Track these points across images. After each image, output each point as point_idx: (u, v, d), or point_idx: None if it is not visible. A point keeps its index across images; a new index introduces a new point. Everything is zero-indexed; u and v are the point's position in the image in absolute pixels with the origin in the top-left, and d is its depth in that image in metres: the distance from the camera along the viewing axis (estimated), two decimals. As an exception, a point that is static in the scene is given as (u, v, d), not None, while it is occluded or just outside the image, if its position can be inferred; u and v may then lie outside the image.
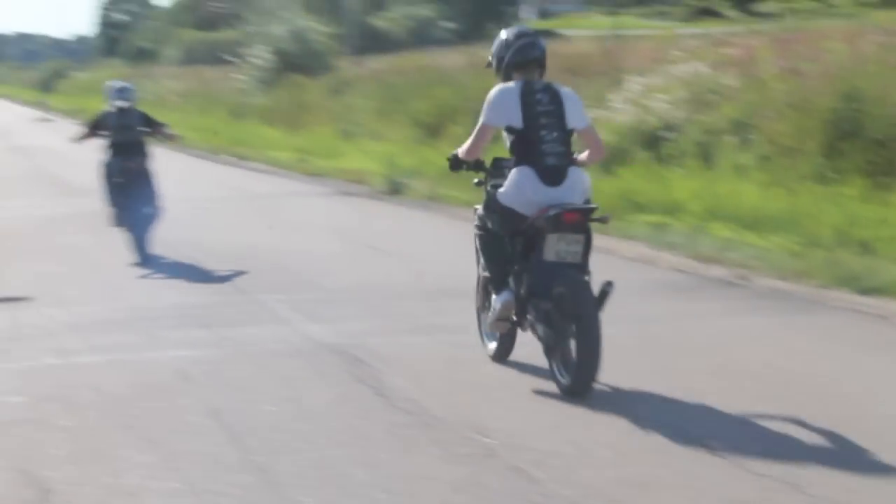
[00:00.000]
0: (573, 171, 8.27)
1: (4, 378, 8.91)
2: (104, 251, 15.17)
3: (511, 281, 8.47)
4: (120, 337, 10.14)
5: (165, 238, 15.78)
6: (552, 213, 8.00)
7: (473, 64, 30.26)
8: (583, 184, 8.29)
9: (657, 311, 10.98)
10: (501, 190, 8.41)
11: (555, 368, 8.03)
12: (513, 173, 8.38)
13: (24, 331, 10.55)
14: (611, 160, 18.14)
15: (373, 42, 69.22)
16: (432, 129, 26.59)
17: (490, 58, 8.67)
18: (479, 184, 9.26)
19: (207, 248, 15.29)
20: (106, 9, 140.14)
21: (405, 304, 11.34)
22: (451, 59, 35.84)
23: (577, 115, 8.38)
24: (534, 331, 8.32)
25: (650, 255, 14.10)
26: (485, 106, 8.51)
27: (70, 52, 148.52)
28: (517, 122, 8.32)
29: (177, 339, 10.04)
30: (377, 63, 42.70)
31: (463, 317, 9.99)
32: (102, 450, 7.08)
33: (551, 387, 8.06)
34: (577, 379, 7.79)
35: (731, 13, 27.53)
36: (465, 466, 6.60)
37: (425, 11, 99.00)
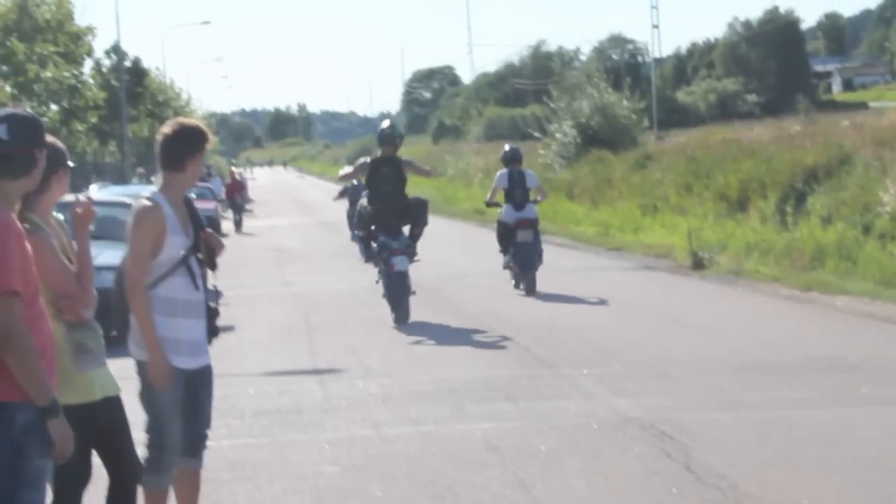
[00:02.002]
0: (529, 205, 18.40)
1: (319, 448, 9.16)
2: (409, 323, 15.46)
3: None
4: (428, 409, 10.31)
5: (466, 309, 16.01)
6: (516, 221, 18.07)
7: (780, 136, 29.81)
8: (533, 210, 18.49)
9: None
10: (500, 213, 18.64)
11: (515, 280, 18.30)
12: (504, 206, 18.62)
13: (336, 402, 10.83)
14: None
15: (677, 116, 69.14)
16: (738, 203, 26.24)
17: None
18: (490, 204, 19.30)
19: (509, 319, 15.44)
20: (411, 87, 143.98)
21: (710, 378, 11.18)
22: (757, 131, 35.36)
23: (533, 181, 18.63)
24: (510, 267, 18.51)
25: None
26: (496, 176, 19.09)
27: (374, 130, 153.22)
28: (506, 186, 18.54)
29: (483, 411, 10.15)
30: (681, 137, 42.46)
31: (771, 392, 9.79)
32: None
33: (875, 463, 7.82)
34: (527, 285, 18.04)
35: None
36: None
37: (730, 85, 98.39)
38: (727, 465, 8.14)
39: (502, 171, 18.86)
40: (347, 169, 20.82)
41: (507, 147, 19.61)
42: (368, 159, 16.43)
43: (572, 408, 10.15)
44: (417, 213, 15.95)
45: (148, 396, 6.54)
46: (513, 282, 18.61)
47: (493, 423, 9.69)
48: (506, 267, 18.77)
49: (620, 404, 10.16)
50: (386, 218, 15.68)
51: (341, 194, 30.77)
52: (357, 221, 16.96)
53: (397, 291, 15.51)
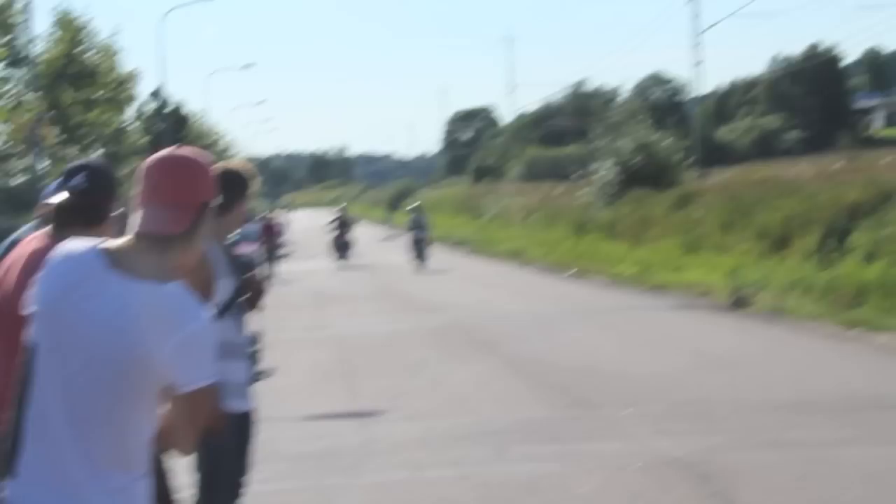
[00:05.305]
0: None
1: (360, 492, 9.17)
2: (449, 365, 15.49)
3: None
4: (468, 450, 10.31)
5: (510, 352, 16.00)
6: None
7: (821, 174, 29.74)
8: None
9: None
10: None
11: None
12: None
13: (376, 445, 10.84)
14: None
15: (718, 154, 68.97)
16: (779, 242, 26.16)
17: None
18: None
19: (551, 361, 15.41)
20: (451, 128, 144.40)
21: (752, 417, 11.13)
22: (799, 168, 35.29)
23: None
24: None
25: None
26: None
27: (413, 171, 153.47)
28: None
29: (524, 453, 10.13)
30: (722, 175, 42.40)
31: (813, 431, 9.73)
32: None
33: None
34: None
35: None
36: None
37: (771, 122, 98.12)
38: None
39: None
40: None
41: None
42: None
43: (613, 449, 10.12)
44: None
45: (200, 439, 6.56)
46: None
47: (533, 464, 9.67)
48: None
49: (661, 445, 10.12)
50: None
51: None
52: None
53: None
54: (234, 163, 7.07)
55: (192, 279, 3.93)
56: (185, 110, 62.90)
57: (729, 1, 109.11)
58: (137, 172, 3.81)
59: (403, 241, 39.88)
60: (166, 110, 57.19)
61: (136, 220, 3.63)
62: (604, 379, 13.78)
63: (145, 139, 49.61)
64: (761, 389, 12.69)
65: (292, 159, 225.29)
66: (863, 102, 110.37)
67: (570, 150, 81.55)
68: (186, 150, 3.85)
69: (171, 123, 57.40)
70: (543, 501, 8.57)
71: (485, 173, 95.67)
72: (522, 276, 31.27)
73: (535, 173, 79.92)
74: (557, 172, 63.57)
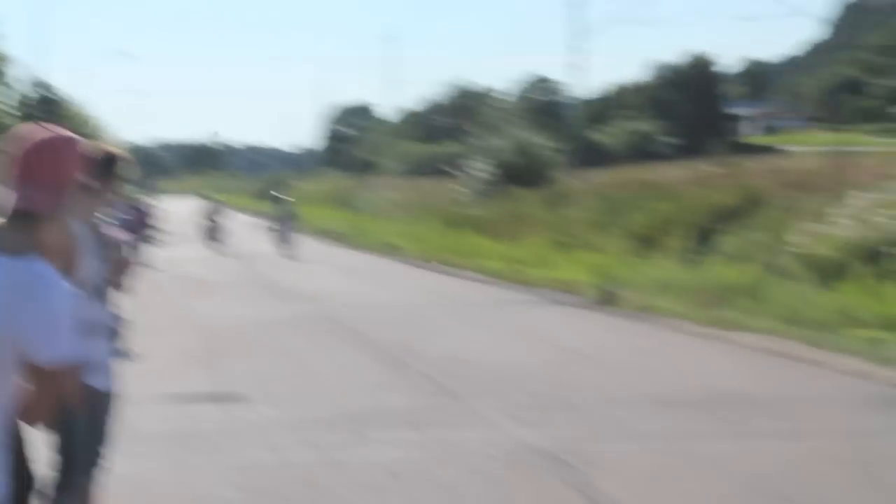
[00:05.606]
0: None
1: (221, 473, 9.12)
2: (316, 352, 15.47)
3: None
4: (331, 435, 10.30)
5: (377, 340, 16.02)
6: None
7: (694, 177, 30.21)
8: None
9: (867, 425, 10.69)
10: None
11: None
12: None
13: (239, 427, 10.79)
14: (828, 274, 17.87)
15: (594, 155, 69.61)
16: (649, 242, 26.52)
17: None
18: None
19: (418, 350, 15.46)
20: (332, 122, 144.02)
21: (615, 410, 11.28)
22: (672, 172, 35.77)
23: None
24: None
25: (865, 369, 13.75)
26: None
27: (295, 164, 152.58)
28: None
29: (387, 438, 10.16)
30: (596, 176, 42.85)
31: (672, 424, 9.89)
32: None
33: (768, 493, 7.92)
34: None
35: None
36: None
37: (646, 126, 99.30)
38: (626, 494, 8.22)
39: None
40: None
41: None
42: None
43: (476, 437, 10.18)
44: None
45: (59, 416, 6.49)
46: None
47: (395, 450, 9.70)
48: None
49: (524, 434, 10.21)
50: None
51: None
52: None
53: None
54: (105, 145, 7.01)
55: (57, 257, 3.91)
56: (58, 94, 62.02)
57: (613, 7, 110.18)
58: (3, 150, 3.79)
59: (273, 231, 39.77)
60: (39, 93, 56.33)
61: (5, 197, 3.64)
62: (469, 369, 13.86)
63: (15, 120, 48.82)
64: (624, 383, 12.87)
65: (170, 148, 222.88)
66: (739, 110, 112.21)
67: (449, 147, 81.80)
68: (54, 130, 3.83)
69: (42, 106, 56.53)
70: (404, 487, 8.59)
71: (363, 168, 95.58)
72: (395, 268, 31.29)
73: (413, 169, 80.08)
74: (435, 169, 63.77)
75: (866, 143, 60.52)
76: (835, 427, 9.85)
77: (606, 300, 20.93)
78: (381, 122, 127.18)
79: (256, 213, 74.14)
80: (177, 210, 52.57)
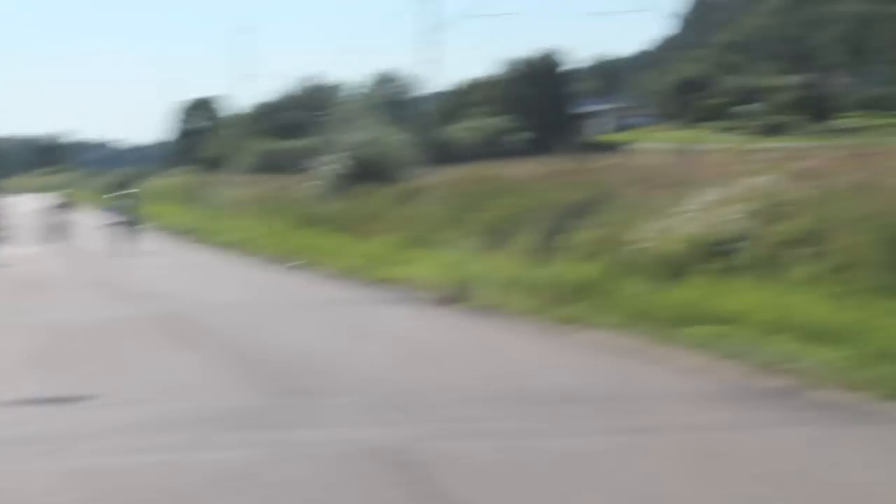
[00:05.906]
0: None
1: (63, 477, 8.94)
2: (164, 352, 15.26)
3: None
4: (180, 436, 10.19)
5: (223, 340, 15.86)
6: None
7: (545, 174, 30.44)
8: None
9: (708, 420, 10.81)
10: None
11: None
12: None
13: (85, 431, 10.58)
14: (674, 270, 18.07)
15: (446, 151, 69.81)
16: (500, 238, 26.58)
17: None
18: None
19: (267, 350, 15.35)
20: (184, 116, 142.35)
21: (459, 407, 11.30)
22: (525, 168, 36.00)
23: None
24: None
25: (709, 364, 13.90)
26: None
27: (148, 159, 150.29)
28: None
29: (235, 439, 10.05)
30: (449, 172, 42.95)
31: (516, 421, 9.92)
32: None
33: (606, 489, 7.96)
34: None
35: (809, 128, 27.74)
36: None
37: (499, 122, 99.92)
38: (470, 491, 8.24)
39: None
40: None
41: None
42: None
43: (322, 437, 10.13)
44: None
45: None
46: None
47: (245, 451, 9.61)
48: None
49: (369, 433, 10.19)
50: None
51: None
52: None
53: None
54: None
55: None
56: None
57: (466, 2, 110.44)
58: None
59: (115, 228, 39.19)
60: None
61: None
62: (318, 368, 13.80)
63: None
64: (471, 381, 12.88)
65: (16, 142, 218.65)
66: (591, 107, 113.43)
67: (300, 143, 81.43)
68: None
69: None
70: (251, 487, 8.50)
71: (214, 164, 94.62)
72: (244, 266, 31.04)
73: (264, 165, 79.54)
74: (287, 165, 63.39)
75: (712, 140, 61.64)
76: (676, 422, 9.94)
77: (457, 297, 20.93)
78: (234, 117, 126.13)
79: (104, 210, 73.16)
80: (21, 207, 51.52)
